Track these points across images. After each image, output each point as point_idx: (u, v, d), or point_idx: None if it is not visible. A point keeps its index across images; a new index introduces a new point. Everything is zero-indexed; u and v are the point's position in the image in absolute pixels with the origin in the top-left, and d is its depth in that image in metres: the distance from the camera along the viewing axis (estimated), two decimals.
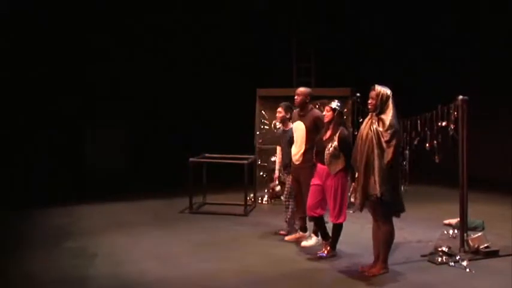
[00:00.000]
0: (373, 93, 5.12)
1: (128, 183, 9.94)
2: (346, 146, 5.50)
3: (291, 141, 6.40)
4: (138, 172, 10.51)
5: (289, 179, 6.58)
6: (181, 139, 10.47)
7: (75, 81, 10.42)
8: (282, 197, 6.84)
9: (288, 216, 6.67)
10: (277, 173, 7.25)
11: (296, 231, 6.55)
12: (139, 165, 10.66)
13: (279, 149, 7.08)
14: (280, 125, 6.98)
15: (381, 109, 5.08)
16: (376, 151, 4.96)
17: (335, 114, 5.64)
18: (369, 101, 5.16)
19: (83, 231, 6.89)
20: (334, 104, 5.65)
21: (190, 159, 8.13)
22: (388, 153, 4.93)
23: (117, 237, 6.68)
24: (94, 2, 10.07)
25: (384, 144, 4.96)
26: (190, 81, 11.05)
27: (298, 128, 6.28)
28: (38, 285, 5.06)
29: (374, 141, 4.99)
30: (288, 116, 6.72)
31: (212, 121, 10.97)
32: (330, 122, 5.66)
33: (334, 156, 5.52)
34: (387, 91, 5.13)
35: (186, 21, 10.83)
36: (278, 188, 7.34)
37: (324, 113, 5.72)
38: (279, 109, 6.85)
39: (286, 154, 6.58)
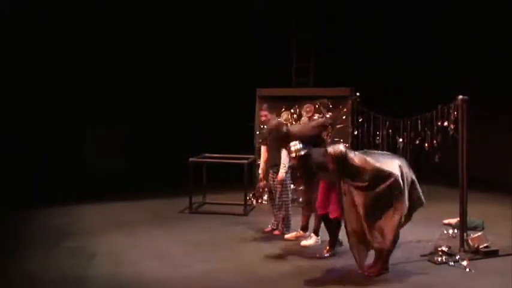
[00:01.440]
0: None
1: (128, 183, 9.94)
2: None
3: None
4: (137, 172, 10.50)
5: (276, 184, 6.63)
6: (181, 139, 10.46)
7: (75, 81, 10.42)
8: (276, 199, 6.78)
9: (284, 214, 6.68)
10: (261, 173, 7.17)
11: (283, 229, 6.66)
12: (139, 165, 10.65)
13: (263, 148, 7.03)
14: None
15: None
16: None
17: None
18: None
19: (82, 231, 6.90)
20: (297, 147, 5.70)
21: (190, 159, 8.13)
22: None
23: (117, 237, 6.68)
24: (93, 2, 10.06)
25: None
26: (191, 81, 11.04)
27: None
28: (37, 285, 5.06)
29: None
30: (271, 116, 6.80)
31: (213, 121, 10.95)
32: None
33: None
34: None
35: (186, 21, 10.82)
36: (264, 189, 7.22)
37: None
38: (263, 112, 6.87)
39: (274, 154, 6.59)
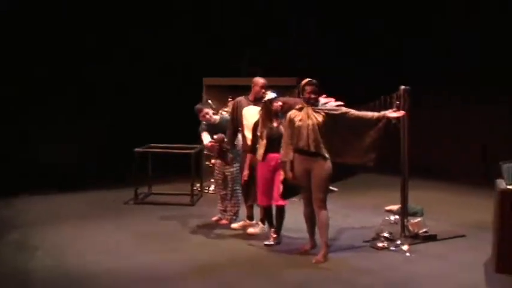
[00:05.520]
0: (315, 88, 5.31)
1: (74, 175, 9.68)
2: None
3: (235, 127, 6.45)
4: (82, 163, 10.24)
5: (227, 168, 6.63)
6: (128, 130, 10.27)
7: (19, 73, 10.07)
8: (228, 188, 6.77)
9: (234, 203, 6.70)
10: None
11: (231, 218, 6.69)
12: (85, 156, 10.38)
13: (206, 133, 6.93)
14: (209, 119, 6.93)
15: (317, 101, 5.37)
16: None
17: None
18: (312, 96, 5.30)
19: (26, 224, 6.70)
20: (273, 94, 5.77)
21: (135, 149, 8.02)
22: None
23: (62, 229, 6.52)
24: None
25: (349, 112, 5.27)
26: (137, 72, 10.81)
27: (253, 114, 6.26)
28: None
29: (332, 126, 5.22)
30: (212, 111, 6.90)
31: (161, 111, 10.79)
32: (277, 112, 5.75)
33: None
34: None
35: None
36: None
37: (277, 104, 5.78)
38: (204, 112, 6.83)
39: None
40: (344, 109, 5.38)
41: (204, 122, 6.98)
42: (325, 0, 10.31)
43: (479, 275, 4.89)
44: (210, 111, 6.95)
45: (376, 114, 5.35)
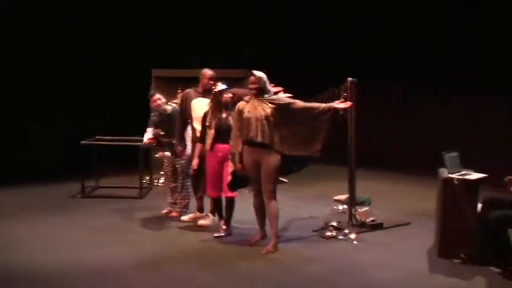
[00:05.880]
0: (254, 79, 5.33)
1: (17, 168, 9.35)
2: None
3: (185, 119, 6.40)
4: (27, 156, 9.91)
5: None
6: (77, 122, 10.02)
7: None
8: (178, 180, 6.72)
9: (184, 195, 6.66)
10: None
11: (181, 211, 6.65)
12: (31, 149, 10.06)
13: (150, 130, 6.83)
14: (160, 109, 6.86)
15: (263, 92, 5.32)
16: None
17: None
18: (252, 86, 5.32)
19: None
20: (223, 86, 5.76)
21: (81, 141, 7.84)
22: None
23: (6, 224, 6.31)
24: None
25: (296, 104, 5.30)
26: (86, 61, 10.53)
27: (202, 105, 6.21)
28: None
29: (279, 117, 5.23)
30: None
31: (110, 102, 10.56)
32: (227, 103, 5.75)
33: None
34: (264, 75, 5.37)
35: None
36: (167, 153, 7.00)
37: (227, 96, 5.78)
38: (156, 98, 6.76)
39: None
40: (291, 100, 5.42)
41: (153, 114, 6.90)
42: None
43: (424, 260, 5.05)
44: (163, 98, 6.84)
45: (323, 105, 5.38)
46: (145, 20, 10.53)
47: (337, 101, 5.46)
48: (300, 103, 5.36)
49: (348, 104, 5.53)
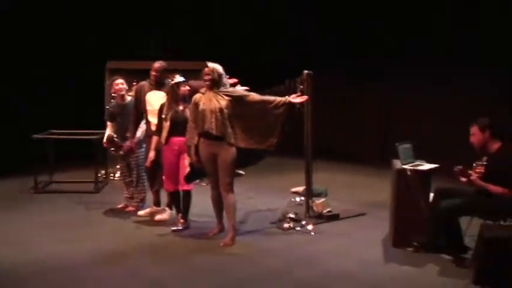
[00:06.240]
0: (207, 70, 5.30)
1: None
2: None
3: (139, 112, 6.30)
4: None
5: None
6: (29, 115, 9.74)
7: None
8: (133, 174, 6.63)
9: (139, 189, 6.59)
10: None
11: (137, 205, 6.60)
12: None
13: (110, 124, 6.74)
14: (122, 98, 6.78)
15: (220, 84, 5.29)
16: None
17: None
18: (206, 78, 5.29)
19: None
20: (181, 78, 5.70)
21: (34, 135, 7.64)
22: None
23: None
24: None
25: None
26: (39, 53, 10.25)
27: (156, 98, 6.13)
28: None
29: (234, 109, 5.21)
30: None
31: (65, 96, 10.31)
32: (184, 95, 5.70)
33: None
34: (220, 67, 5.34)
35: None
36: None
37: (184, 88, 5.71)
38: (119, 82, 6.66)
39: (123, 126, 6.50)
40: (246, 92, 5.40)
41: (110, 106, 6.79)
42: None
43: (379, 250, 5.16)
44: (125, 85, 6.72)
45: (278, 99, 5.35)
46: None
47: (293, 95, 5.43)
48: (255, 96, 5.34)
49: (304, 98, 5.51)
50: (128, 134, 6.45)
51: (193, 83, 6.00)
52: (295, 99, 5.36)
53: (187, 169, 5.50)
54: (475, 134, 4.76)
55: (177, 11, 10.79)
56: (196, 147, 5.36)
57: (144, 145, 6.47)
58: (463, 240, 4.91)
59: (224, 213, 5.49)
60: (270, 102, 5.32)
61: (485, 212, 4.66)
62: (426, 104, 9.16)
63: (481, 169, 4.73)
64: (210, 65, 5.32)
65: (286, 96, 5.39)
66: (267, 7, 10.88)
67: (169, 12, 10.69)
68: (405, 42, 9.21)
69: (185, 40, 10.76)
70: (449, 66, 8.56)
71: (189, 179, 5.59)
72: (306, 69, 6.14)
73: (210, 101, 5.24)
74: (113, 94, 6.80)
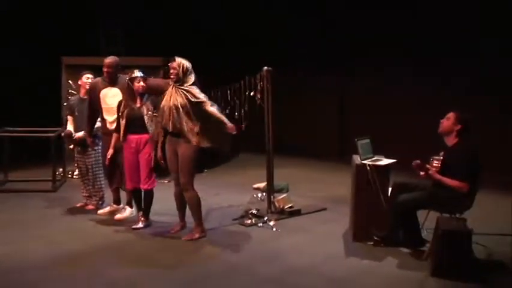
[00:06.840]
0: (174, 64, 5.24)
1: None
2: None
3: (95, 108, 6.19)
4: None
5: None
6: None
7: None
8: (89, 173, 6.53)
9: (97, 188, 6.49)
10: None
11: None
12: None
13: (70, 118, 6.66)
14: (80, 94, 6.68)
15: (184, 80, 5.22)
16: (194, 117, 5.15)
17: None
18: (171, 71, 5.25)
19: None
20: (139, 73, 5.63)
21: None
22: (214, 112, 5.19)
23: None
24: None
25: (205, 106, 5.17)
26: None
27: (111, 95, 6.04)
28: None
29: (190, 109, 5.13)
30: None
31: (20, 93, 10.02)
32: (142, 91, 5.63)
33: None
34: (188, 63, 5.28)
35: None
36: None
37: (138, 84, 5.61)
38: (85, 77, 6.55)
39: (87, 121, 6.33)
40: (202, 99, 5.23)
41: (66, 104, 6.66)
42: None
43: (339, 244, 5.23)
44: (91, 80, 6.59)
45: (222, 117, 5.25)
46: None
47: (229, 125, 5.26)
48: (207, 107, 5.21)
49: (233, 131, 5.30)
50: (84, 133, 6.33)
51: (153, 80, 5.93)
52: (230, 129, 5.26)
53: (152, 163, 5.46)
54: (449, 119, 4.83)
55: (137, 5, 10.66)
56: (163, 142, 5.32)
57: (100, 143, 6.35)
58: (420, 233, 5.03)
59: (187, 211, 5.46)
60: (216, 117, 5.22)
61: (442, 205, 4.78)
62: (385, 99, 9.32)
63: (438, 163, 4.85)
64: (178, 59, 5.26)
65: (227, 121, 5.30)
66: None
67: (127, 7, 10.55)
68: (369, 37, 9.35)
69: (147, 36, 10.60)
70: (406, 62, 8.73)
71: (156, 170, 5.54)
72: (266, 66, 6.15)
73: (170, 97, 5.20)
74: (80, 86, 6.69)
